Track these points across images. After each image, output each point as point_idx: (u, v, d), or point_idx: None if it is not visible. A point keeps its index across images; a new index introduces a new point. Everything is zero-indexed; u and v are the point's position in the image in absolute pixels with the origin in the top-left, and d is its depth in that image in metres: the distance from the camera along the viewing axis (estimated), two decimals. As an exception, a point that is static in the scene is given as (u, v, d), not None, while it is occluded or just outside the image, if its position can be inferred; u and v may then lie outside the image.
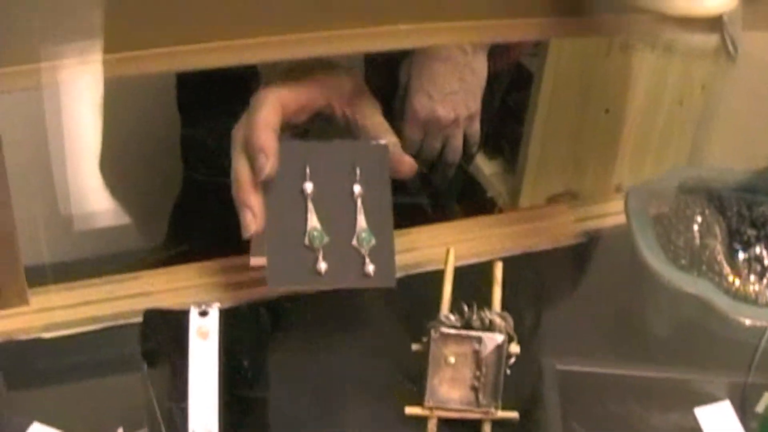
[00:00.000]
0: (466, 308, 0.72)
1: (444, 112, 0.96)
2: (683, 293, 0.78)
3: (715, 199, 0.84)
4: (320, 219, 0.75)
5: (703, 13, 0.71)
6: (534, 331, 0.81)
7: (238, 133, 0.75)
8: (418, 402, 0.72)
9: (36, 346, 0.77)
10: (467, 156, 1.03)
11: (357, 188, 0.76)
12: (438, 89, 0.96)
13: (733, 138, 1.04)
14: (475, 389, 0.72)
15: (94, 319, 0.80)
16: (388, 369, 0.76)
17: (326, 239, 0.75)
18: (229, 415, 0.67)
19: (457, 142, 1.00)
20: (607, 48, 0.97)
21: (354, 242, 0.75)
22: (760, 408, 0.74)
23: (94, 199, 1.34)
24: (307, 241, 0.75)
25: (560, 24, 0.78)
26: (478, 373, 0.72)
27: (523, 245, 0.91)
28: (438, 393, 0.72)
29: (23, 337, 0.78)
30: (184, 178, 1.11)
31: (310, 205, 0.75)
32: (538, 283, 0.89)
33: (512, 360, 0.72)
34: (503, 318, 0.72)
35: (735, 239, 0.81)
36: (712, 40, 0.76)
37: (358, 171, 0.76)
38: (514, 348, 0.72)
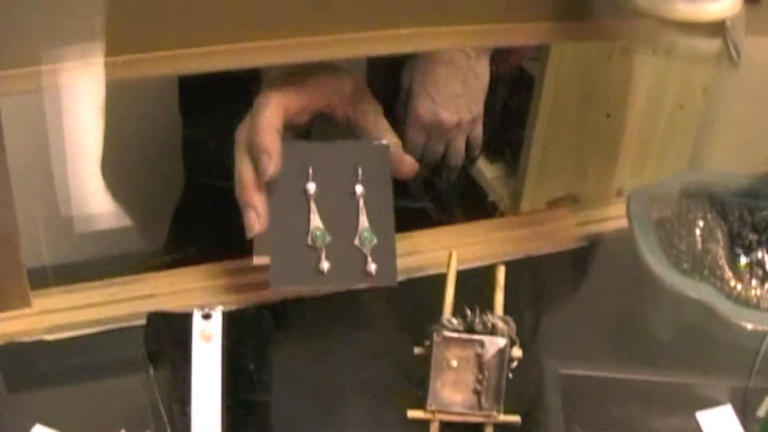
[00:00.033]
0: (468, 312, 0.72)
1: (447, 115, 0.96)
2: (685, 297, 0.78)
3: (717, 203, 0.84)
4: (323, 219, 0.76)
5: (705, 18, 0.71)
6: (536, 334, 0.81)
7: (241, 134, 0.76)
8: (421, 405, 0.72)
9: (38, 348, 0.77)
10: (470, 159, 1.04)
11: (359, 188, 0.77)
12: (441, 93, 0.96)
13: (735, 142, 1.04)
14: (477, 393, 0.72)
15: (97, 322, 0.80)
16: (391, 372, 0.76)
17: (328, 239, 0.76)
18: (231, 418, 0.67)
19: (460, 146, 1.00)
20: (608, 52, 0.97)
21: (356, 242, 0.76)
22: (761, 412, 0.75)
23: (95, 201, 1.33)
24: (309, 241, 0.75)
25: (562, 29, 0.78)
26: (480, 377, 0.72)
27: (526, 249, 0.91)
28: (440, 396, 0.72)
29: (25, 339, 0.78)
30: (185, 181, 1.11)
31: (313, 205, 0.76)
32: (541, 287, 0.89)
33: (514, 364, 0.73)
34: (506, 322, 0.73)
35: (737, 244, 0.82)
36: (714, 44, 0.76)
37: (359, 171, 0.77)
38: (517, 352, 0.72)
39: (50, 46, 0.66)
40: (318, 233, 0.75)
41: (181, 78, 1.00)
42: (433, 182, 1.02)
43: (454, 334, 0.72)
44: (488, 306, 0.74)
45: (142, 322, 0.77)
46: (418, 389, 0.72)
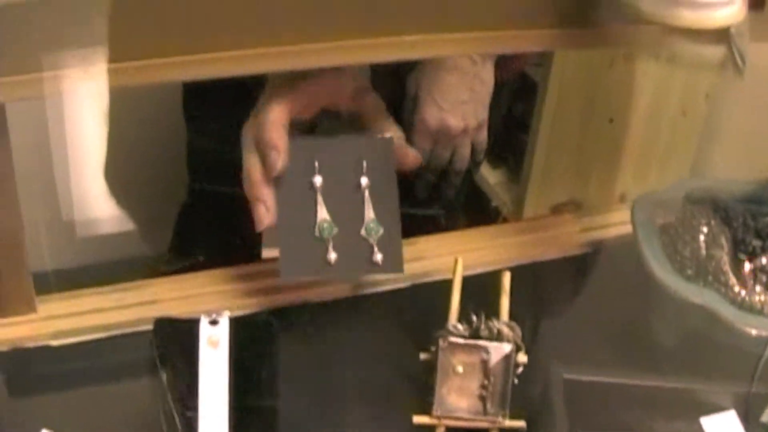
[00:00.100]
0: (474, 318, 0.73)
1: (454, 122, 0.97)
2: (689, 303, 0.78)
3: (721, 209, 0.84)
4: (329, 211, 0.77)
5: (710, 25, 0.71)
6: (541, 340, 0.81)
7: (247, 132, 0.77)
8: (426, 411, 0.72)
9: (44, 353, 0.77)
10: (474, 164, 1.04)
11: (364, 180, 0.78)
12: (448, 100, 0.96)
13: (737, 148, 1.04)
14: (482, 398, 0.72)
15: (102, 327, 0.80)
16: (396, 378, 0.76)
17: (336, 230, 0.77)
18: (238, 424, 0.67)
19: (466, 152, 1.00)
20: (611, 58, 0.98)
21: (362, 232, 0.78)
22: (765, 418, 0.75)
23: (99, 205, 1.34)
24: (317, 233, 0.77)
25: (567, 35, 0.78)
26: (485, 383, 0.72)
27: (530, 255, 0.91)
28: (446, 402, 0.72)
29: (30, 344, 0.78)
30: (189, 185, 1.11)
31: (320, 198, 0.77)
32: (545, 293, 0.89)
33: (520, 369, 0.73)
34: (511, 327, 0.73)
35: (740, 249, 0.82)
36: (718, 51, 0.77)
37: (364, 164, 0.78)
38: (522, 357, 0.73)
39: (55, 52, 0.66)
40: (325, 225, 0.77)
41: (186, 83, 1.01)
42: (439, 188, 1.02)
43: (460, 340, 0.72)
44: (494, 312, 0.74)
45: (148, 327, 0.77)
46: (423, 395, 0.73)
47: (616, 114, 1.00)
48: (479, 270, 0.86)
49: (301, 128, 0.78)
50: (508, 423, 0.72)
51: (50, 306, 0.81)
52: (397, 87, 0.98)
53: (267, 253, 0.79)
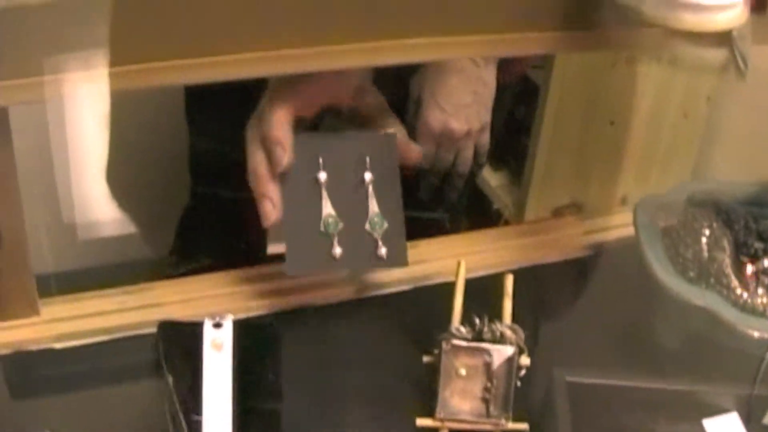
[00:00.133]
0: (477, 320, 0.73)
1: (458, 125, 0.97)
2: (691, 306, 0.78)
3: (722, 212, 0.84)
4: (334, 206, 0.79)
5: (712, 28, 0.71)
6: (544, 343, 0.81)
7: (251, 130, 0.78)
8: (429, 413, 0.72)
9: (47, 356, 0.78)
10: (477, 166, 1.04)
11: (368, 176, 0.79)
12: (451, 103, 0.96)
13: (738, 150, 1.05)
14: (485, 401, 0.72)
15: (105, 330, 0.80)
16: (399, 380, 0.76)
17: (341, 225, 0.78)
18: (242, 427, 0.67)
19: (469, 154, 1.00)
20: (613, 61, 0.98)
21: (367, 227, 0.79)
22: (767, 420, 0.75)
23: (101, 208, 1.34)
24: (322, 228, 0.78)
25: (569, 38, 0.79)
26: (488, 385, 0.72)
27: (532, 258, 0.91)
28: (449, 404, 0.72)
29: (34, 347, 0.78)
30: (191, 188, 1.11)
31: (325, 194, 0.78)
32: (548, 296, 0.89)
33: (523, 372, 0.73)
34: (514, 330, 0.73)
35: (742, 252, 0.82)
36: (720, 54, 0.77)
37: (368, 160, 0.79)
38: (525, 360, 0.73)
39: (57, 56, 0.66)
40: (330, 220, 0.78)
41: (188, 86, 1.01)
42: (441, 191, 1.02)
43: (463, 343, 0.72)
44: (496, 314, 0.74)
45: (151, 330, 0.77)
46: (426, 397, 0.73)
47: (618, 116, 1.00)
48: (481, 273, 0.87)
49: (304, 127, 0.79)
50: (511, 426, 0.72)
51: (53, 309, 0.81)
52: (399, 90, 0.98)
53: (272, 248, 0.80)
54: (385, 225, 0.79)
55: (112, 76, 0.67)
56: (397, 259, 0.79)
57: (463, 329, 0.73)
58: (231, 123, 0.83)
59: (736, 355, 0.78)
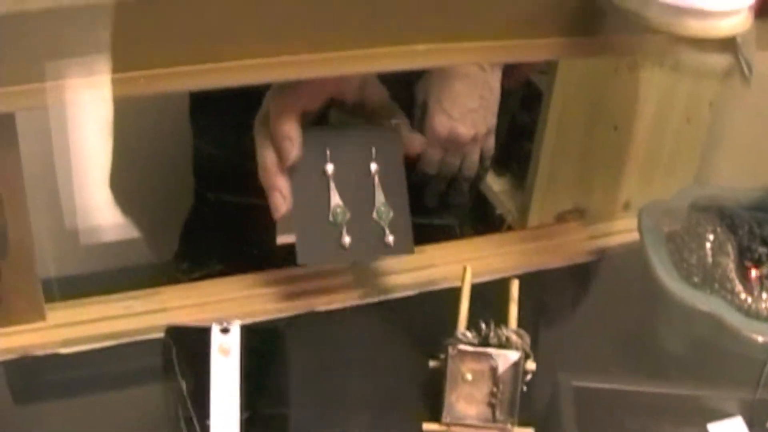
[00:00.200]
0: (483, 325, 0.73)
1: (465, 130, 0.97)
2: (696, 310, 0.79)
3: (726, 217, 0.84)
4: (342, 197, 0.80)
5: (717, 35, 0.72)
6: (549, 347, 0.81)
7: (259, 125, 0.80)
8: (435, 418, 0.73)
9: (53, 361, 0.78)
10: (483, 170, 1.04)
11: (374, 166, 0.81)
12: (458, 108, 0.97)
13: (741, 155, 1.05)
14: (491, 406, 0.72)
15: (112, 335, 0.80)
16: (405, 385, 0.77)
17: (348, 215, 0.80)
18: (249, 431, 0.67)
19: (476, 158, 1.01)
20: (616, 66, 0.98)
21: (374, 216, 0.80)
22: (771, 424, 0.75)
23: (105, 213, 1.34)
24: (331, 218, 0.80)
25: (574, 44, 0.79)
26: (494, 390, 0.72)
27: (537, 263, 0.92)
28: (455, 409, 0.73)
29: (40, 352, 0.78)
30: (195, 193, 1.11)
31: (332, 185, 0.80)
32: (553, 301, 0.90)
33: (528, 377, 0.73)
34: (519, 335, 0.73)
35: (746, 257, 0.82)
36: (724, 60, 0.77)
37: (373, 151, 0.81)
38: (531, 365, 0.73)
39: (63, 62, 0.66)
40: (338, 210, 0.80)
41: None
42: (448, 195, 1.03)
43: (469, 348, 0.72)
44: (502, 319, 0.75)
45: (157, 335, 0.77)
46: (432, 402, 0.73)
47: (621, 122, 1.00)
48: (486, 278, 0.87)
49: (309, 120, 0.80)
50: (517, 430, 0.72)
51: (59, 314, 0.81)
52: (404, 95, 0.98)
53: (281, 239, 0.82)
54: (392, 214, 0.81)
55: (116, 83, 0.67)
56: (404, 246, 0.81)
57: (469, 334, 0.73)
58: (235, 126, 0.84)
59: (741, 360, 0.78)
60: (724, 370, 0.78)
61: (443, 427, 0.73)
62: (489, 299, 0.78)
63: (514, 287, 0.77)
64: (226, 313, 0.81)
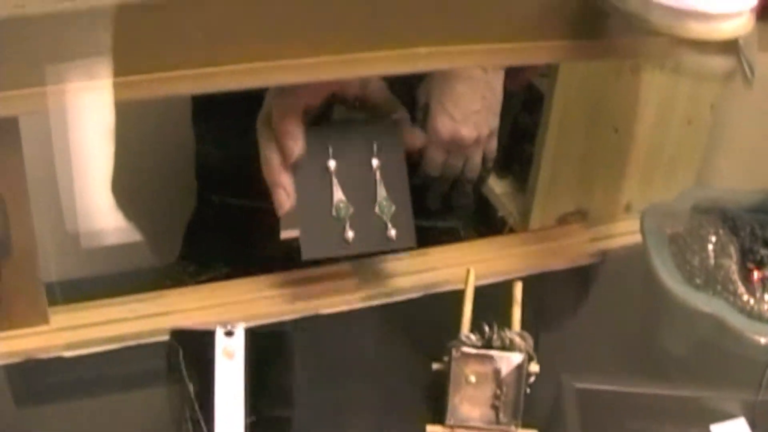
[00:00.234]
0: (486, 328, 0.73)
1: (467, 132, 0.98)
2: (698, 312, 0.78)
3: (728, 219, 0.84)
4: (345, 192, 0.81)
5: (719, 37, 0.72)
6: (552, 350, 0.81)
7: (262, 123, 0.80)
8: (439, 420, 0.73)
9: (56, 364, 0.78)
10: (485, 172, 1.04)
11: (375, 162, 0.82)
12: (460, 110, 0.97)
13: (743, 157, 1.05)
14: (495, 408, 0.73)
15: (115, 338, 0.80)
16: (409, 387, 0.77)
17: (351, 210, 0.81)
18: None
19: (478, 160, 1.01)
20: (617, 69, 0.98)
21: (376, 210, 0.82)
22: (773, 425, 0.75)
23: (109, 217, 1.34)
24: (334, 213, 0.81)
25: (576, 47, 0.79)
26: (498, 392, 0.72)
27: (540, 265, 0.92)
28: (459, 411, 0.73)
29: (43, 356, 0.78)
30: (198, 196, 1.11)
31: (335, 181, 0.81)
32: (556, 303, 0.90)
33: (532, 379, 0.73)
34: (523, 337, 0.73)
35: (748, 259, 0.82)
36: (726, 62, 0.77)
37: (375, 146, 0.82)
38: (534, 367, 0.73)
39: (66, 65, 0.67)
40: (341, 205, 0.81)
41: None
42: (451, 197, 1.03)
43: (473, 350, 0.72)
44: (505, 322, 0.75)
45: (161, 338, 0.77)
46: (436, 404, 0.73)
47: (622, 124, 1.00)
48: (489, 280, 0.87)
49: (312, 116, 0.81)
50: (521, 432, 0.73)
51: (63, 317, 0.81)
52: (407, 97, 0.99)
53: (285, 234, 0.83)
54: (393, 208, 0.82)
55: (118, 86, 0.68)
56: (406, 239, 0.82)
57: (472, 336, 0.73)
58: (237, 128, 0.84)
59: (743, 361, 0.78)
60: (726, 371, 0.78)
61: (447, 430, 0.73)
62: (492, 301, 0.77)
63: (518, 290, 0.77)
64: (230, 316, 0.82)
